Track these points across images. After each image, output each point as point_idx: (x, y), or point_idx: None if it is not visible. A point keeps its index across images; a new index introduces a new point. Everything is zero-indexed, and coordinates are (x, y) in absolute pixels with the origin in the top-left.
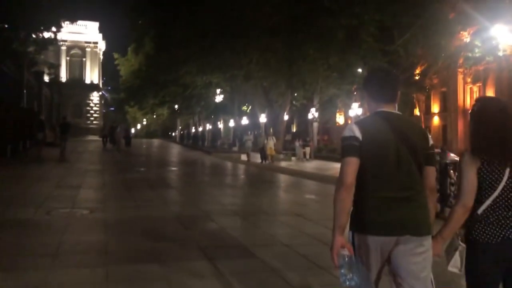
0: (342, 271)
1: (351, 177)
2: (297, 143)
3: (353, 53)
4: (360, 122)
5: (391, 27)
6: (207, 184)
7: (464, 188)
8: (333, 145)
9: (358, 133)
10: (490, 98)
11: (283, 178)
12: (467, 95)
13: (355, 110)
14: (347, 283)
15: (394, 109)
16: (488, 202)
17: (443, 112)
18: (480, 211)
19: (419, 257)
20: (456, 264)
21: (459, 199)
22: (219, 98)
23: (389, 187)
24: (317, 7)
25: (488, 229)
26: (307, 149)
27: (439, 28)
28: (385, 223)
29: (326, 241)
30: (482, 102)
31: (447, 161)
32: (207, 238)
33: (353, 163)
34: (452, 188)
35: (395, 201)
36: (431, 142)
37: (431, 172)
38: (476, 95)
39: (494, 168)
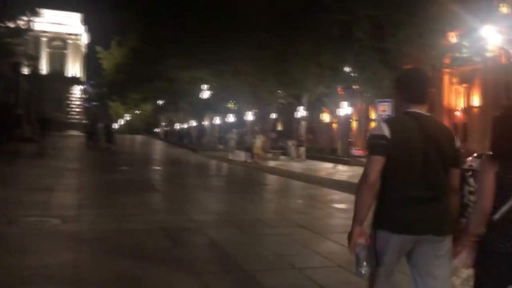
0: (358, 260)
1: (374, 175)
2: (289, 142)
3: (346, 50)
4: (389, 120)
5: (385, 25)
6: (196, 187)
7: (482, 192)
8: (319, 145)
9: (386, 131)
10: None
11: (276, 180)
12: (452, 96)
13: (345, 109)
14: (363, 272)
15: (424, 109)
16: (503, 209)
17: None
18: (495, 217)
19: (439, 256)
20: (462, 259)
21: (477, 203)
22: (205, 94)
23: (415, 186)
24: (311, 2)
25: (503, 238)
26: (301, 149)
27: (434, 27)
28: (409, 221)
29: (343, 263)
30: (506, 110)
31: (466, 167)
32: (202, 259)
33: (379, 161)
34: (471, 198)
35: (421, 201)
36: (458, 144)
37: (456, 174)
38: (462, 96)
39: None
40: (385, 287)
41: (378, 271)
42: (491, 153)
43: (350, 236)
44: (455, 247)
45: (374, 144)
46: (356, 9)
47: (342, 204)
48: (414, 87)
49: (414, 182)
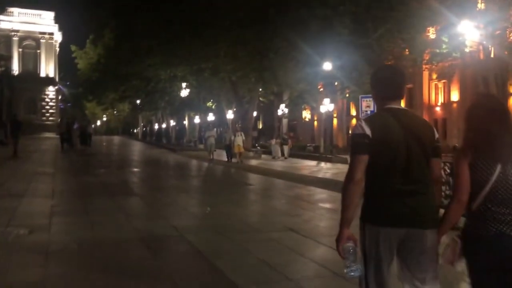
0: (348, 262)
1: (359, 173)
2: (273, 141)
3: (326, 45)
4: (368, 119)
5: (365, 20)
6: (175, 189)
7: (458, 183)
8: (300, 142)
9: (367, 130)
10: (483, 95)
11: (259, 180)
12: (432, 92)
13: (327, 106)
14: (352, 273)
15: (399, 105)
16: (480, 197)
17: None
18: (474, 206)
19: (427, 249)
20: (447, 256)
21: (454, 195)
22: (184, 93)
23: (400, 180)
24: None
25: (483, 224)
26: (285, 147)
27: (414, 22)
28: (396, 215)
29: (341, 272)
30: (475, 99)
31: None
32: (185, 272)
33: (362, 160)
34: None
35: (406, 194)
36: (437, 135)
37: (437, 164)
38: (441, 91)
39: (486, 164)
40: (376, 285)
41: (368, 267)
42: (463, 144)
43: (338, 239)
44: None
45: (357, 143)
46: (336, 4)
47: (330, 203)
48: (389, 83)
49: (399, 176)
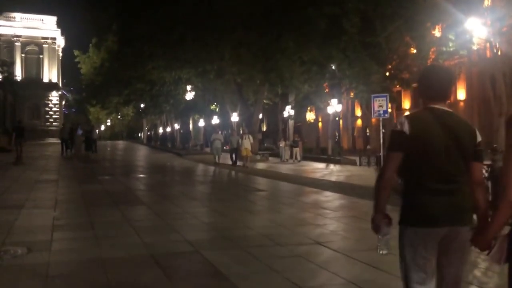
0: (380, 241)
1: (390, 171)
2: (281, 143)
3: (333, 45)
4: (410, 115)
5: (373, 19)
6: (185, 197)
7: (508, 182)
8: (305, 144)
9: (406, 127)
10: None
11: (270, 185)
12: None
13: (334, 106)
14: (381, 251)
15: (445, 106)
16: None
17: (414, 109)
18: None
19: (463, 247)
20: (495, 256)
21: (504, 194)
22: (189, 96)
23: (438, 180)
24: None
25: None
26: (295, 150)
27: (423, 19)
28: (435, 214)
29: None
30: None
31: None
32: None
33: (395, 158)
34: None
35: (443, 193)
36: (479, 138)
37: (478, 168)
38: None
39: None
40: (417, 279)
41: (408, 270)
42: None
43: (372, 220)
44: (483, 239)
45: (392, 141)
46: (344, 2)
47: (354, 211)
48: (435, 84)
49: (435, 175)
